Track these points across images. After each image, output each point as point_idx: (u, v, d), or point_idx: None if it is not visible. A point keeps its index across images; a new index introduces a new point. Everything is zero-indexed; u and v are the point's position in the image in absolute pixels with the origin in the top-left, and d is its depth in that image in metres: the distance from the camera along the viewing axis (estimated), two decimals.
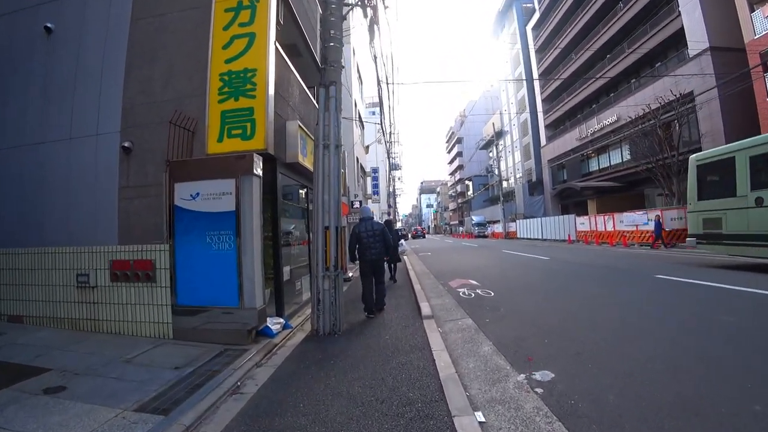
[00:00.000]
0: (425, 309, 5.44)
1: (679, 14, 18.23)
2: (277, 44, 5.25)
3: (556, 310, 5.37)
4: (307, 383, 3.15)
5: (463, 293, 7.11)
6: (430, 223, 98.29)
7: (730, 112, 15.88)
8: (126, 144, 5.28)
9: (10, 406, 2.84)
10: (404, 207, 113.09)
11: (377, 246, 5.66)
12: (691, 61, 17.43)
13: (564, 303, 5.85)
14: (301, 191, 7.05)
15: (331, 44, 4.85)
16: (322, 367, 3.51)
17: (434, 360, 3.49)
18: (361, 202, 14.07)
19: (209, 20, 5.00)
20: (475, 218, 46.27)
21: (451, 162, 78.29)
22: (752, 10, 14.75)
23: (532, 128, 37.75)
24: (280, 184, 5.51)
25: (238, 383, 3.25)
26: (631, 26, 22.37)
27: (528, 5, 38.33)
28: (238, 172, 4.21)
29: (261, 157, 4.45)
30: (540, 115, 35.21)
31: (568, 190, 28.33)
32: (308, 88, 7.23)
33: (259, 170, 4.36)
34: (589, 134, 26.57)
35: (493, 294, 6.86)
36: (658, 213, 15.61)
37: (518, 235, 32.11)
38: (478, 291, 7.21)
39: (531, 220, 30.72)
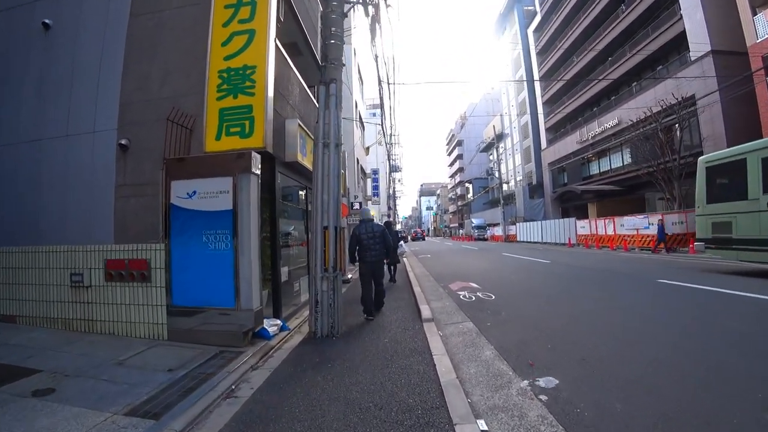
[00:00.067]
0: (425, 312, 5.35)
1: (681, 17, 18.22)
2: (278, 42, 5.18)
3: (558, 315, 5.28)
4: (303, 387, 3.06)
5: (464, 296, 7.02)
6: (429, 226, 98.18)
7: (732, 115, 15.83)
8: (123, 141, 5.20)
9: None
10: (404, 209, 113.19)
11: (377, 248, 5.61)
12: (693, 65, 17.39)
13: (567, 307, 5.76)
14: (300, 192, 6.97)
15: (332, 41, 4.78)
16: (320, 370, 3.42)
17: (435, 364, 3.40)
18: (361, 203, 13.99)
19: (208, 17, 4.93)
20: (475, 221, 46.18)
21: (451, 164, 78.30)
22: (755, 14, 14.71)
23: (532, 131, 37.72)
24: (278, 184, 5.43)
25: (233, 387, 3.16)
26: (632, 29, 22.36)
27: (529, 8, 38.38)
28: (235, 170, 4.13)
29: (259, 156, 4.36)
30: (541, 118, 35.19)
31: (568, 193, 28.27)
32: (309, 87, 7.16)
33: (257, 169, 4.28)
34: (590, 137, 26.52)
35: (494, 297, 6.77)
36: (661, 217, 15.52)
37: (518, 239, 32.03)
38: (479, 294, 7.12)
39: (531, 223, 30.66)
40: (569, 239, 23.22)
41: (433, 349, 3.83)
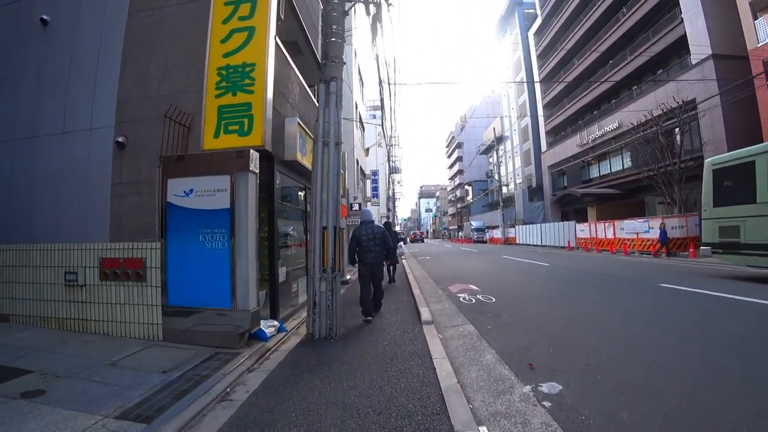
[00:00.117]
0: (425, 314, 5.28)
1: (682, 21, 18.21)
2: (278, 39, 5.12)
3: (560, 318, 5.21)
4: (300, 391, 2.98)
5: (464, 298, 6.94)
6: (428, 228, 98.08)
7: (733, 119, 15.80)
8: (120, 139, 5.14)
9: None
10: (403, 211, 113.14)
11: (377, 249, 5.57)
12: (694, 69, 17.38)
13: (567, 310, 5.69)
14: (300, 192, 6.90)
15: (333, 39, 4.72)
16: (317, 373, 3.34)
17: (435, 368, 3.32)
18: (360, 204, 13.92)
19: (208, 14, 4.87)
20: (474, 223, 46.11)
21: (451, 166, 78.30)
22: (755, 18, 14.71)
23: (532, 134, 37.71)
24: (277, 183, 5.36)
25: (228, 389, 3.08)
26: (633, 33, 22.37)
27: (530, 11, 38.43)
28: (233, 168, 4.06)
29: (258, 154, 4.30)
30: (541, 121, 35.19)
31: (568, 196, 28.23)
32: (309, 86, 7.10)
33: (255, 167, 4.21)
34: (590, 141, 26.49)
35: (494, 300, 6.70)
36: (664, 222, 15.45)
37: (517, 241, 31.98)
38: (479, 296, 7.04)
39: (530, 226, 30.59)
40: (569, 242, 23.17)
41: (433, 353, 3.75)
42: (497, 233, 37.26)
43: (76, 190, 5.30)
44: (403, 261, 14.17)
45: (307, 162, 5.83)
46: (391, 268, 9.66)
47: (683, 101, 16.66)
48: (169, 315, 4.22)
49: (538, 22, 35.13)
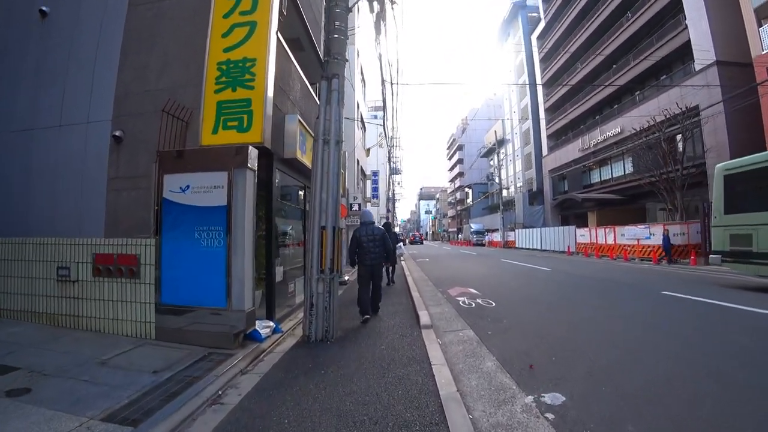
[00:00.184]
0: (424, 318, 5.18)
1: (686, 27, 18.15)
2: (279, 35, 5.04)
3: (561, 325, 5.11)
4: (294, 396, 2.88)
5: (463, 302, 6.85)
6: (428, 230, 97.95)
7: (736, 127, 15.73)
8: (117, 133, 5.05)
9: None
10: (403, 212, 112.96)
11: (377, 251, 5.52)
12: (697, 75, 17.31)
13: (570, 317, 5.59)
14: (299, 191, 6.80)
15: (335, 36, 4.64)
16: (312, 377, 3.24)
17: (434, 375, 3.22)
18: (360, 204, 13.83)
19: (209, 7, 4.78)
20: (474, 226, 46.04)
21: (451, 169, 78.21)
22: (760, 25, 14.65)
23: (534, 138, 37.64)
24: (276, 181, 5.27)
25: (220, 392, 2.98)
26: (637, 38, 22.31)
27: (533, 14, 38.37)
28: (231, 165, 3.97)
29: (257, 151, 4.20)
30: (542, 125, 35.12)
31: (568, 201, 28.15)
32: (311, 84, 7.02)
33: (254, 164, 4.12)
34: (591, 145, 26.43)
35: (494, 304, 6.60)
36: (667, 228, 15.37)
37: (517, 245, 31.88)
38: (479, 300, 6.95)
39: (530, 230, 30.51)
40: (568, 247, 23.08)
41: (432, 358, 3.66)
42: (497, 236, 37.17)
43: (72, 184, 5.22)
44: (402, 262, 14.09)
45: (307, 160, 5.74)
46: (390, 269, 9.58)
47: (686, 107, 16.60)
48: (162, 313, 4.12)
49: (542, 25, 35.08)
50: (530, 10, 39.29)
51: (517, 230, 33.58)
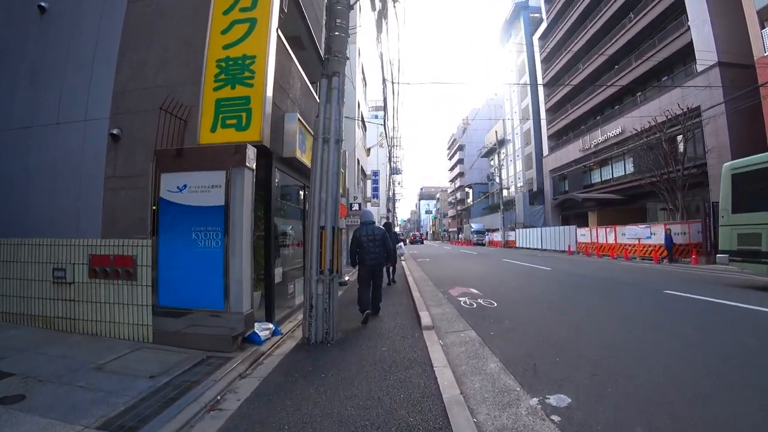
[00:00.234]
0: (425, 319, 5.11)
1: (689, 29, 18.09)
2: (280, 33, 4.97)
3: (564, 325, 5.05)
4: (294, 401, 2.81)
5: (465, 302, 6.78)
6: (428, 230, 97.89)
7: (737, 128, 15.67)
8: (115, 131, 4.99)
9: None
10: (403, 212, 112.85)
11: (377, 251, 5.48)
12: (699, 76, 17.25)
13: (572, 317, 5.53)
14: (299, 191, 6.74)
15: (336, 33, 4.57)
16: (312, 381, 3.17)
17: (436, 378, 3.15)
18: (360, 204, 13.77)
19: (208, 4, 4.72)
20: (475, 226, 45.96)
21: (451, 169, 78.14)
22: (763, 27, 14.59)
23: (534, 138, 37.58)
24: (275, 180, 5.20)
25: (218, 397, 2.91)
26: (639, 39, 22.24)
27: (535, 15, 38.31)
28: (229, 164, 3.89)
29: (255, 150, 4.13)
30: (543, 125, 35.05)
31: (569, 201, 28.09)
32: (311, 83, 6.95)
33: (252, 163, 4.05)
34: (592, 146, 26.38)
35: (496, 304, 6.53)
36: (669, 227, 15.31)
37: (517, 245, 31.82)
38: (480, 301, 6.88)
39: (531, 229, 30.45)
40: (569, 247, 23.03)
41: (434, 360, 3.59)
42: (497, 236, 37.11)
43: (69, 183, 5.16)
44: (403, 262, 14.03)
45: (306, 160, 5.67)
46: (391, 269, 9.53)
47: (688, 108, 16.55)
48: (159, 316, 4.04)
49: (543, 26, 35.01)
50: (532, 11, 39.23)
51: (517, 230, 33.52)
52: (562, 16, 31.39)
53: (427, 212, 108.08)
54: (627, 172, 23.07)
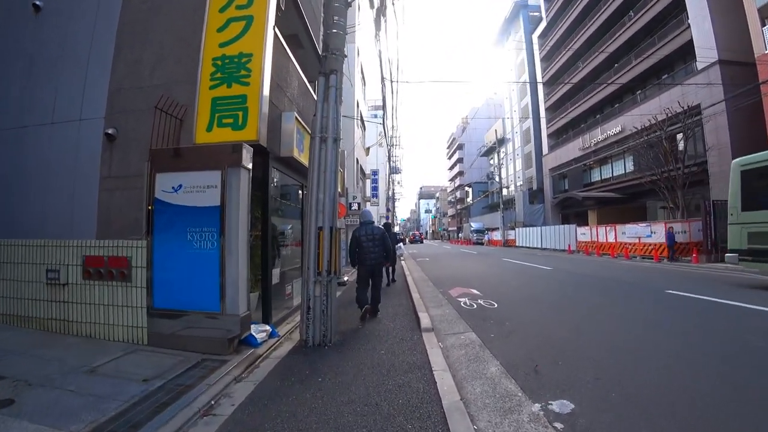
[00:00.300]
0: (424, 320, 5.05)
1: (689, 26, 18.01)
2: (277, 31, 4.90)
3: (566, 327, 4.98)
4: (290, 406, 2.74)
5: (465, 303, 6.72)
6: (428, 229, 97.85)
7: (738, 126, 15.61)
8: (110, 131, 4.92)
9: None
10: (403, 211, 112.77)
11: (377, 251, 5.46)
12: (700, 74, 17.19)
13: (574, 318, 5.47)
14: (297, 190, 6.67)
15: (334, 31, 4.49)
16: (309, 386, 3.11)
17: (435, 382, 3.09)
18: (359, 204, 13.69)
19: (204, 1, 4.65)
20: (474, 225, 45.91)
21: (451, 168, 78.06)
22: (764, 24, 14.51)
23: (534, 137, 37.52)
24: (273, 180, 5.14)
25: (212, 402, 2.85)
26: (638, 37, 22.16)
27: (535, 14, 38.21)
28: (224, 163, 3.82)
29: (251, 149, 4.06)
30: (543, 124, 34.98)
31: (569, 199, 28.03)
32: (309, 81, 6.87)
33: (248, 163, 3.98)
34: (592, 144, 26.31)
35: (496, 305, 6.47)
36: (671, 225, 15.24)
37: (517, 244, 31.78)
38: (480, 301, 6.82)
39: (530, 228, 30.40)
40: (569, 246, 22.97)
41: (433, 364, 3.52)
42: (497, 235, 37.06)
43: (64, 183, 5.11)
44: (402, 262, 13.97)
45: (304, 159, 5.60)
46: (391, 269, 9.48)
47: (688, 106, 16.49)
48: (154, 317, 3.97)
49: (543, 25, 34.92)
50: (532, 10, 39.12)
51: (517, 229, 33.47)
52: (561, 15, 31.30)
53: (427, 211, 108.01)
54: (627, 171, 23.02)
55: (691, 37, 17.86)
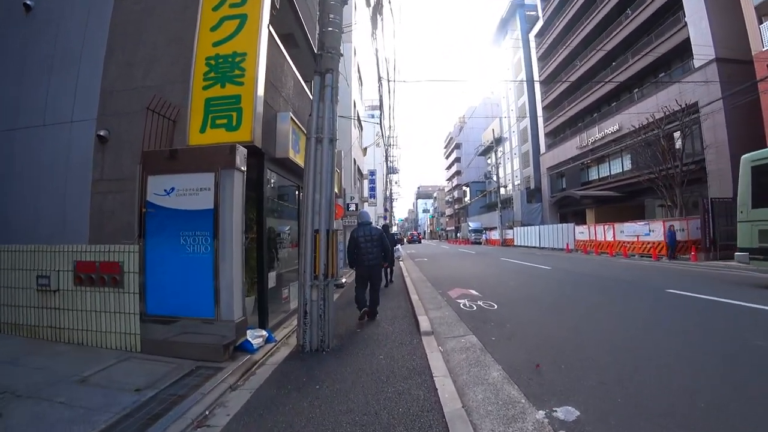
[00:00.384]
0: (424, 324, 4.97)
1: (686, 25, 18.01)
2: (272, 29, 4.81)
3: (567, 328, 4.91)
4: (286, 416, 2.66)
5: (464, 305, 6.64)
6: (426, 229, 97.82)
7: (735, 123, 15.61)
8: (102, 133, 4.83)
9: None
10: (401, 211, 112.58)
11: (375, 251, 5.43)
12: (697, 72, 17.19)
13: (575, 320, 5.39)
14: (294, 193, 6.57)
15: (330, 29, 4.40)
16: (306, 394, 3.02)
17: (436, 389, 3.01)
18: (357, 204, 13.61)
19: (197, 1, 4.55)
20: (472, 224, 45.88)
21: (448, 167, 78.02)
22: (761, 22, 14.50)
23: (531, 136, 37.50)
24: (268, 182, 5.04)
25: (206, 412, 2.76)
26: (636, 36, 22.15)
27: (531, 13, 38.19)
28: (218, 165, 3.72)
29: (245, 150, 3.97)
30: (540, 123, 34.96)
31: (567, 198, 28.02)
32: (305, 81, 6.78)
33: (243, 164, 3.89)
34: (589, 143, 26.29)
35: (496, 307, 6.40)
36: (672, 224, 15.21)
37: (515, 243, 31.74)
38: (480, 303, 6.74)
39: (528, 227, 30.37)
40: (567, 245, 22.95)
41: (433, 369, 3.45)
42: (495, 235, 37.04)
43: (55, 186, 5.01)
44: (401, 263, 13.89)
45: (300, 160, 5.51)
46: (389, 270, 9.41)
47: (685, 104, 16.48)
48: (147, 324, 3.87)
49: (540, 24, 34.89)
50: (528, 9, 39.08)
51: (515, 228, 33.41)
52: (558, 14, 31.28)
53: (425, 211, 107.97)
54: (625, 169, 23.02)
55: (688, 35, 17.84)
